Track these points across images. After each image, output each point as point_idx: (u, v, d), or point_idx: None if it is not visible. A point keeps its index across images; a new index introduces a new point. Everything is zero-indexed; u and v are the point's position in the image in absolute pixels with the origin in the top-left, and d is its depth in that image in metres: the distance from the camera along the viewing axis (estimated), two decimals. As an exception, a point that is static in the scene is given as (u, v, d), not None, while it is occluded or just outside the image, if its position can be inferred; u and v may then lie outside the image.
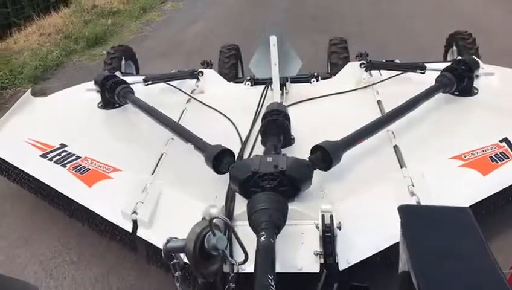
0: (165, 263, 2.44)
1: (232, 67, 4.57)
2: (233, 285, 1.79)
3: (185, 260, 1.77)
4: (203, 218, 2.26)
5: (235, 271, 1.79)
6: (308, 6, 8.44)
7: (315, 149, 2.60)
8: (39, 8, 8.62)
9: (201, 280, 1.81)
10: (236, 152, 2.82)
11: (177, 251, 1.76)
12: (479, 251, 1.01)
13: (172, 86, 4.00)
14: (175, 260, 1.79)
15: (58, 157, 3.18)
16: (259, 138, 3.03)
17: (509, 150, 2.80)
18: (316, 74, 4.00)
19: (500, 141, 2.86)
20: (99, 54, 6.57)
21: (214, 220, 1.74)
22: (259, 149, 2.90)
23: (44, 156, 3.23)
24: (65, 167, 3.08)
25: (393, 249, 2.29)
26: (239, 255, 1.82)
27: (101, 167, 3.02)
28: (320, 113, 3.47)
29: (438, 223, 1.10)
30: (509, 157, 2.74)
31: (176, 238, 1.78)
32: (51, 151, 3.25)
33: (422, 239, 1.07)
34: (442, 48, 4.65)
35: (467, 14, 7.40)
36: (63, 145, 3.30)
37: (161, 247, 2.37)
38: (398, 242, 2.22)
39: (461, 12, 7.49)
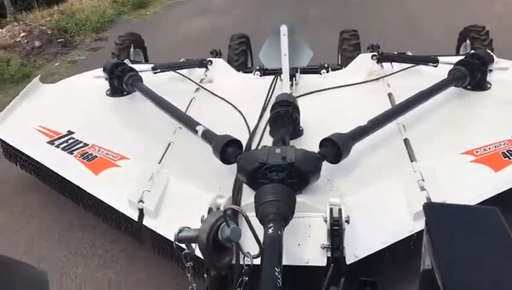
0: (171, 251, 2.47)
1: (242, 57, 4.54)
2: (247, 278, 1.76)
3: (197, 250, 1.74)
4: (210, 209, 2.26)
5: (248, 264, 1.75)
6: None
7: (324, 141, 2.56)
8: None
9: (213, 272, 1.78)
10: (244, 143, 2.79)
11: (189, 241, 1.72)
12: (509, 252, 0.97)
13: (181, 74, 3.97)
14: (186, 250, 1.76)
15: (65, 144, 3.18)
16: (268, 128, 3.00)
17: (522, 146, 2.74)
18: (326, 65, 3.95)
19: None
20: (143, 14, 8.42)
21: (228, 211, 1.71)
22: (268, 140, 2.87)
23: (51, 142, 3.22)
24: (72, 154, 3.07)
25: (402, 243, 2.27)
26: (248, 247, 1.78)
27: (108, 154, 3.01)
28: (330, 104, 3.43)
29: (465, 223, 1.05)
30: (522, 154, 2.69)
31: (188, 228, 1.75)
32: (59, 138, 3.24)
33: (449, 239, 1.02)
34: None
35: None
36: (70, 132, 3.29)
37: (166, 236, 2.40)
38: (408, 237, 2.23)
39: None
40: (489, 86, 3.43)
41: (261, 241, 1.78)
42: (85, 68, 4.78)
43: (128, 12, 8.59)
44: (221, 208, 2.26)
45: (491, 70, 3.46)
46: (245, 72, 4.20)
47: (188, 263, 1.77)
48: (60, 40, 6.89)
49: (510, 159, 2.65)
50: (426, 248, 1.05)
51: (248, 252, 1.72)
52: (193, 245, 1.72)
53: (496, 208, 1.08)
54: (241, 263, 1.82)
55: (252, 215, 2.13)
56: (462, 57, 3.53)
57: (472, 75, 3.35)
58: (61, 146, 3.16)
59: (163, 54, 5.35)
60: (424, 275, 1.07)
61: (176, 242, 1.73)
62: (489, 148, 2.73)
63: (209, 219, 1.68)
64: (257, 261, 1.76)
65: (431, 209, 1.12)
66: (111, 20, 7.94)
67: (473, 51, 3.91)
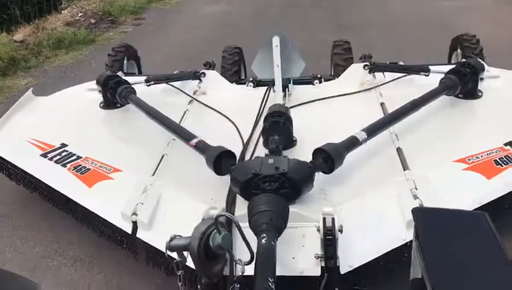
0: (165, 264, 2.46)
1: (235, 68, 4.56)
2: (238, 285, 1.75)
3: (189, 258, 1.73)
4: (203, 219, 2.25)
5: (239, 272, 1.75)
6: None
7: (317, 151, 2.57)
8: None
9: (205, 280, 1.77)
10: (237, 154, 2.80)
11: (180, 249, 1.72)
12: (497, 257, 0.97)
13: (174, 86, 3.98)
14: (178, 259, 1.76)
15: (58, 157, 3.16)
16: (261, 139, 3.01)
17: (514, 153, 2.76)
18: (319, 75, 3.98)
19: (505, 145, 2.82)
20: (169, 2, 10.38)
21: (220, 218, 1.71)
22: (261, 151, 2.87)
23: (44, 155, 3.20)
24: (65, 166, 3.05)
25: (396, 252, 2.27)
26: (241, 255, 1.78)
27: (101, 167, 3.00)
28: (323, 115, 3.45)
29: (454, 228, 1.05)
30: (513, 161, 2.70)
31: (179, 236, 1.75)
32: (52, 151, 3.23)
33: (438, 244, 1.02)
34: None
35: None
36: (63, 145, 3.27)
37: (160, 248, 2.39)
38: (401, 245, 2.23)
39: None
40: (480, 94, 3.46)
41: (254, 250, 1.77)
42: (134, 34, 8.12)
43: (156, 1, 10.50)
44: (214, 218, 2.26)
45: (482, 79, 3.49)
46: (238, 84, 4.21)
47: (180, 272, 1.76)
48: (109, 19, 8.99)
49: (502, 166, 2.67)
50: (415, 253, 1.05)
51: (239, 259, 1.72)
52: (185, 253, 1.72)
53: (484, 212, 1.08)
54: (233, 270, 1.82)
55: (245, 226, 2.14)
56: (454, 66, 3.57)
57: (463, 84, 3.38)
58: (55, 159, 3.15)
59: (186, 28, 8.19)
60: (414, 282, 1.07)
61: (168, 251, 1.73)
62: (482, 156, 2.74)
63: (200, 226, 1.69)
64: (250, 270, 1.76)
65: (420, 213, 1.13)
66: (143, 7, 9.88)
67: (464, 60, 3.96)
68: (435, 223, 1.08)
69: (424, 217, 1.11)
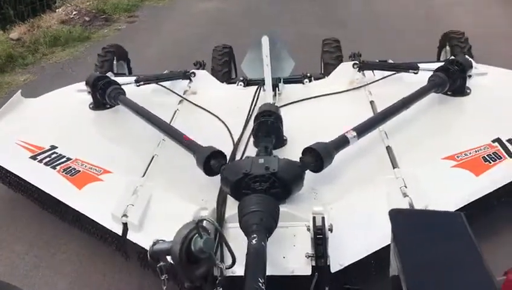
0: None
1: (225, 66, 4.55)
2: (221, 289, 1.76)
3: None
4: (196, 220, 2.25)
5: (222, 274, 1.76)
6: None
7: (307, 151, 2.58)
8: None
9: (188, 284, 1.78)
10: (228, 154, 2.80)
11: (163, 253, 1.73)
12: (472, 257, 0.99)
13: (164, 87, 3.97)
14: (161, 263, 1.76)
15: (48, 159, 3.15)
16: (252, 139, 3.01)
17: (501, 150, 2.78)
18: (309, 74, 3.99)
19: (493, 141, 2.85)
20: (162, 0, 10.26)
21: (203, 223, 1.72)
22: (252, 150, 2.87)
23: (34, 157, 3.19)
24: (55, 168, 3.04)
25: (386, 250, 2.28)
26: (229, 259, 1.79)
27: (91, 169, 2.98)
28: (313, 114, 3.45)
29: (429, 229, 1.07)
30: (501, 158, 2.73)
31: (162, 240, 1.75)
32: (41, 153, 3.21)
33: (414, 245, 1.04)
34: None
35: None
36: (53, 147, 3.26)
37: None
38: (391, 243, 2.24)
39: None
40: (468, 91, 3.48)
41: (244, 251, 1.78)
42: (128, 31, 8.26)
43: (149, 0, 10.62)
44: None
45: (470, 76, 3.51)
46: (229, 83, 4.20)
47: (163, 276, 1.77)
48: (103, 16, 9.10)
49: (490, 163, 2.70)
50: (393, 255, 1.06)
51: (222, 263, 1.73)
52: (168, 258, 1.72)
53: (460, 212, 1.10)
54: (216, 273, 1.83)
55: (236, 227, 2.15)
56: (442, 64, 3.59)
57: (452, 81, 3.41)
58: (44, 161, 3.13)
59: (179, 26, 8.20)
60: (393, 279, 1.08)
61: (150, 255, 1.73)
62: (470, 153, 2.77)
63: (182, 230, 1.68)
64: (240, 272, 1.77)
65: (397, 215, 1.14)
66: (136, 4, 9.93)
67: (452, 57, 3.98)
68: (411, 225, 1.09)
69: (401, 218, 1.13)
